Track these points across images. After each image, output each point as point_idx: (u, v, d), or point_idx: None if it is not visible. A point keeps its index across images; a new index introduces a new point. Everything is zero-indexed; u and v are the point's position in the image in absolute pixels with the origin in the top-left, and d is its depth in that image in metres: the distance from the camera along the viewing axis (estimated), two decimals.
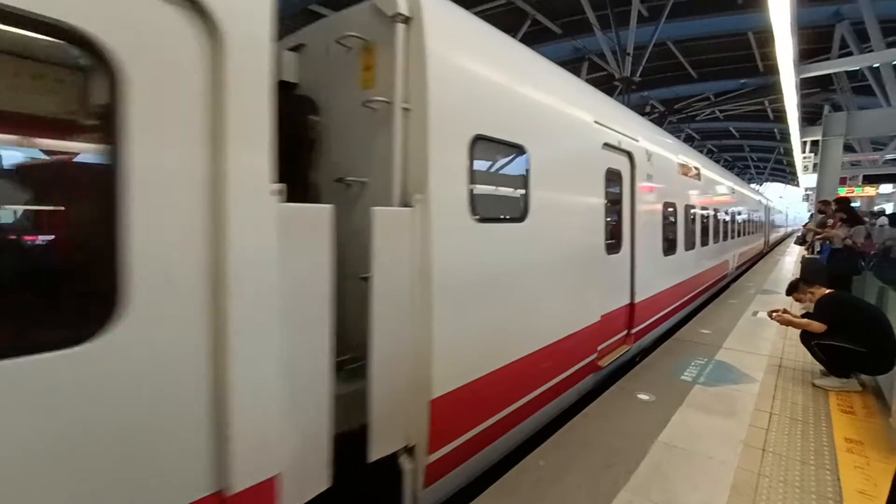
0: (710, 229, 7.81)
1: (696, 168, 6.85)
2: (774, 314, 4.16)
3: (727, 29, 14.29)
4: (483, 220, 2.43)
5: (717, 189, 8.71)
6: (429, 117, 2.08)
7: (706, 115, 21.84)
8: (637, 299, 4.56)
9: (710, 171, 8.36)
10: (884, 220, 10.89)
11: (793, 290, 4.35)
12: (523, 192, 2.84)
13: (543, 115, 3.12)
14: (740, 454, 2.79)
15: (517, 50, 3.09)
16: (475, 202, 2.38)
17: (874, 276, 5.14)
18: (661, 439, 2.96)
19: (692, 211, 6.53)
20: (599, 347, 3.89)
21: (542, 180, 2.96)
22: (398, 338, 2.01)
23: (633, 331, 4.59)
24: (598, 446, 2.87)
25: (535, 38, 13.79)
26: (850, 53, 14.45)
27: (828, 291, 4.05)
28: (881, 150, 18.36)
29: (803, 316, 4.12)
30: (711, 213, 7.88)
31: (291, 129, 2.05)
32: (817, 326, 3.79)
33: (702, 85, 19.46)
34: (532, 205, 2.85)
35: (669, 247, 5.59)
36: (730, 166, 41.17)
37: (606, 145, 3.94)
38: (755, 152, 33.74)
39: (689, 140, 28.67)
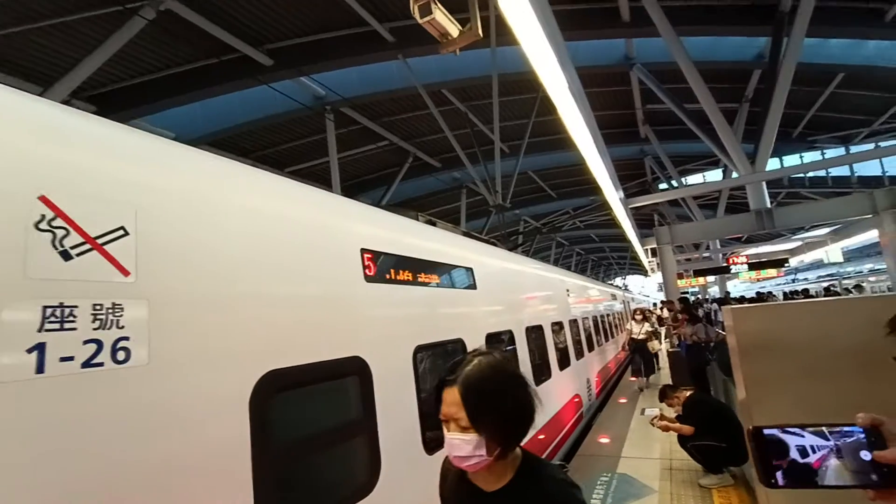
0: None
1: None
2: (655, 421, 4.63)
3: (570, 161, 17.83)
4: None
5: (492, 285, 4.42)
6: None
7: (570, 226, 25.65)
8: None
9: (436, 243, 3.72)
10: (714, 306, 13.16)
11: (663, 396, 4.95)
12: None
13: None
14: None
15: None
16: None
17: (717, 367, 6.12)
18: None
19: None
20: None
21: None
22: None
23: None
24: None
25: (418, 172, 15.53)
26: (659, 177, 18.86)
27: (688, 393, 4.70)
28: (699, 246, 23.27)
29: (677, 417, 4.66)
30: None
31: None
32: (687, 430, 4.30)
33: (561, 202, 23.26)
34: None
35: None
36: (596, 265, 47.91)
37: None
38: (614, 252, 39.87)
39: (559, 246, 33.00)
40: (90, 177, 1.40)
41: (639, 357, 9.48)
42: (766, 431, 0.77)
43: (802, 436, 0.76)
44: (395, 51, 8.92)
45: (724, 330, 6.49)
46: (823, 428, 0.74)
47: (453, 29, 3.05)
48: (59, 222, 1.27)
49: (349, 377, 2.25)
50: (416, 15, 2.90)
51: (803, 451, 0.74)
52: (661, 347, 10.70)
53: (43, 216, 1.25)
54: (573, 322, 7.36)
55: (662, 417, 4.62)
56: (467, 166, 13.37)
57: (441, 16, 2.89)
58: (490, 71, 9.92)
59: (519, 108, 13.14)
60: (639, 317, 9.75)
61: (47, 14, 6.41)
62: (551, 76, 3.00)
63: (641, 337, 9.46)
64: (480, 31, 3.09)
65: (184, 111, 9.02)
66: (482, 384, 1.16)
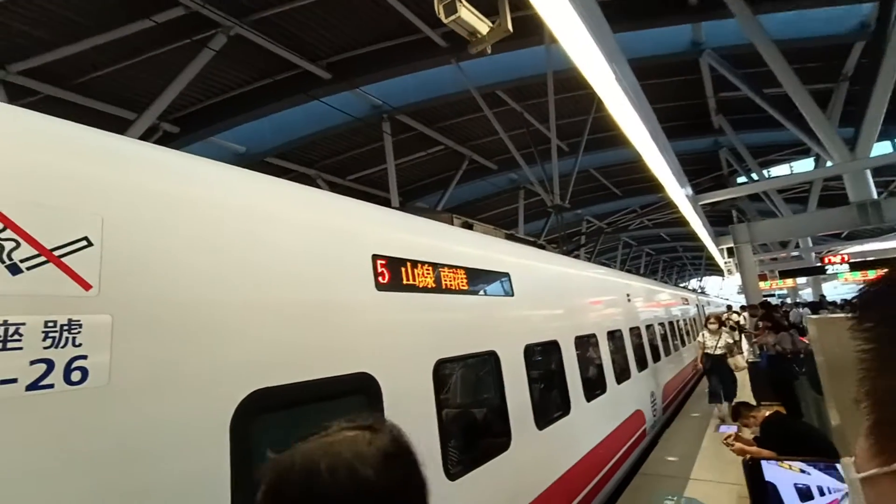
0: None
1: None
2: (729, 440, 4.17)
3: (634, 157, 16.82)
4: None
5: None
6: None
7: (637, 225, 24.23)
8: None
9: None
10: (806, 311, 11.77)
11: (737, 415, 4.46)
12: None
13: None
14: None
15: None
16: None
17: (808, 384, 5.41)
18: None
19: None
20: None
21: None
22: None
23: None
24: None
25: (475, 174, 15.50)
26: (736, 170, 17.23)
27: (768, 413, 4.18)
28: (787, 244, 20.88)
29: (754, 439, 4.16)
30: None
31: None
32: (767, 454, 3.80)
33: (627, 200, 22.04)
34: None
35: None
36: (668, 267, 44.69)
37: None
38: (688, 252, 37.03)
39: (626, 247, 31.25)
40: (48, 184, 1.27)
41: (716, 379, 7.41)
42: (764, 464, 0.69)
43: (808, 473, 0.66)
44: (448, 55, 8.97)
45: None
46: (837, 465, 0.63)
47: (482, 26, 2.95)
48: (7, 234, 1.16)
49: (354, 396, 2.05)
50: (441, 14, 2.84)
51: (807, 493, 0.65)
52: (745, 364, 8.27)
53: None
54: (634, 330, 6.78)
55: (738, 438, 4.15)
56: (523, 167, 13.11)
57: (467, 13, 2.81)
58: (545, 69, 9.65)
59: (577, 105, 12.64)
60: (713, 325, 7.71)
61: (144, 49, 7.23)
62: (595, 71, 2.81)
63: (719, 352, 7.50)
64: (510, 27, 2.97)
65: (253, 127, 9.74)
66: (279, 497, 0.64)
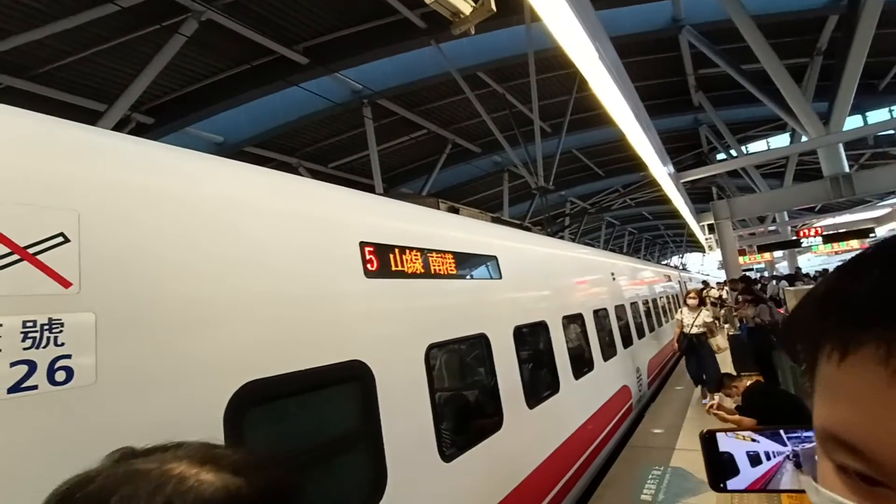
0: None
1: None
2: (711, 410, 4.32)
3: (617, 137, 16.90)
4: None
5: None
6: None
7: (620, 204, 24.52)
8: None
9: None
10: (784, 284, 12.13)
11: (720, 386, 4.61)
12: None
13: None
14: None
15: None
16: None
17: (785, 353, 5.62)
18: None
19: None
20: None
21: None
22: None
23: None
24: None
25: (459, 158, 15.41)
26: (716, 147, 17.51)
27: (749, 383, 4.34)
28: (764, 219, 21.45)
29: (736, 408, 4.32)
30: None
31: None
32: (748, 423, 3.96)
33: (609, 180, 22.23)
34: None
35: None
36: (650, 245, 45.52)
37: None
38: (669, 229, 37.70)
39: (609, 227, 31.66)
40: (17, 180, 1.22)
41: (695, 361, 6.72)
42: (719, 436, 0.77)
43: (757, 441, 0.74)
44: (427, 37, 8.79)
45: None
46: (781, 431, 0.72)
47: (465, 6, 2.87)
48: None
49: (348, 383, 2.07)
50: None
51: (756, 458, 0.73)
52: (726, 345, 7.36)
53: None
54: (619, 308, 6.84)
55: (720, 407, 4.31)
56: (507, 149, 13.07)
57: None
58: (526, 49, 9.55)
59: (559, 85, 12.59)
60: (693, 300, 6.94)
61: (109, 37, 6.90)
62: (578, 50, 2.78)
63: (697, 330, 6.65)
64: (494, 6, 2.91)
65: (230, 115, 9.46)
66: None
